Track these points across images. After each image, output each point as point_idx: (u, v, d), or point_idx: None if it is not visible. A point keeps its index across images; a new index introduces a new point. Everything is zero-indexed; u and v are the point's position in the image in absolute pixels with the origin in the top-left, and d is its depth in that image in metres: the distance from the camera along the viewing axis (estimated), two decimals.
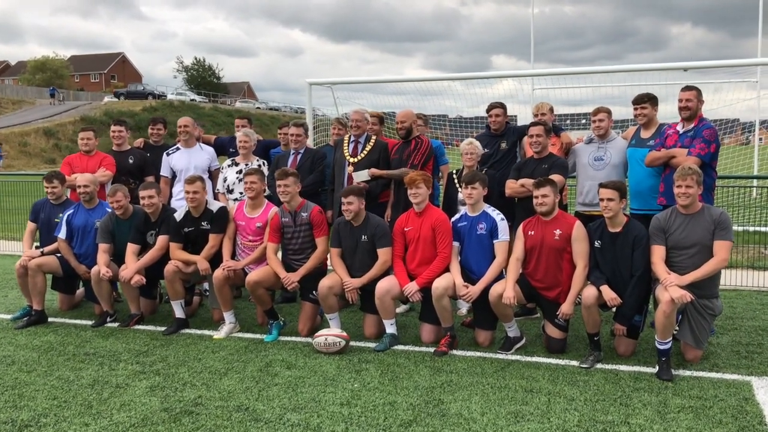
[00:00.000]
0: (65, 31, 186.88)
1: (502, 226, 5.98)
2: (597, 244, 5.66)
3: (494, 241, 5.96)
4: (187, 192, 6.57)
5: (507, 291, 5.63)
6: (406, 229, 6.16)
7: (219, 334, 6.38)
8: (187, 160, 7.68)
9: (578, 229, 5.70)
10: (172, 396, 4.90)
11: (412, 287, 5.94)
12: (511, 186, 6.61)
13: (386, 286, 5.96)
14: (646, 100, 6.43)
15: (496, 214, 6.03)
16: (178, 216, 6.70)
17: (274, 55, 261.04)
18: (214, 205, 6.78)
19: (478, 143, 6.80)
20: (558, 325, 5.72)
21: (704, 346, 5.57)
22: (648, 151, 6.30)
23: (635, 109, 6.50)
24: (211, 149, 7.99)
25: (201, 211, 6.66)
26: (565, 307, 5.63)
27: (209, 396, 4.90)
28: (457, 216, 6.24)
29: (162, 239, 6.69)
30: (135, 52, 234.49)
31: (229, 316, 6.52)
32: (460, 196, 6.50)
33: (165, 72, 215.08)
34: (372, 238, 6.16)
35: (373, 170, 6.89)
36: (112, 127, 7.98)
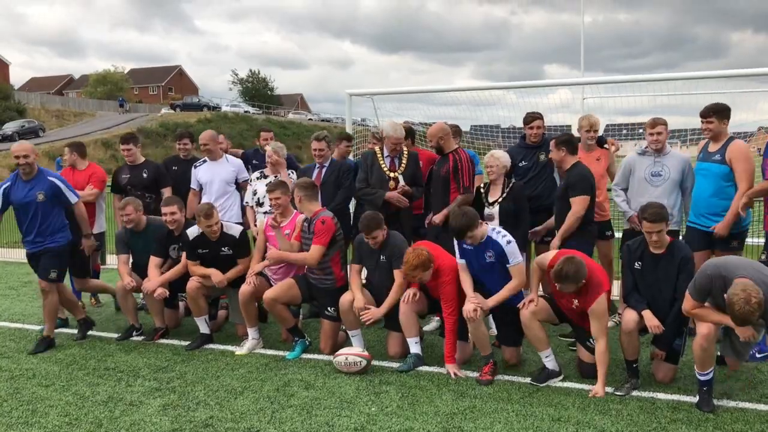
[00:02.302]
0: (123, 45, 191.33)
1: (510, 248, 5.45)
2: (637, 265, 5.26)
3: (507, 266, 5.50)
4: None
5: (531, 295, 5.41)
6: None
7: (241, 350, 6.25)
8: (211, 172, 7.58)
9: (599, 304, 5.13)
10: (183, 416, 4.76)
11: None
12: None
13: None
14: (712, 114, 5.95)
15: (501, 237, 5.47)
16: (191, 234, 6.50)
17: (325, 66, 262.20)
18: (233, 230, 6.58)
19: (500, 154, 6.41)
20: (591, 348, 5.36)
21: (747, 358, 5.27)
22: (710, 165, 5.95)
23: (702, 122, 6.10)
24: (238, 161, 7.87)
25: (217, 236, 6.44)
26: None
27: (221, 417, 4.74)
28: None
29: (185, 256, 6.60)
30: (191, 65, 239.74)
31: (252, 332, 6.38)
32: (486, 211, 6.22)
33: (220, 84, 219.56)
34: (389, 258, 5.91)
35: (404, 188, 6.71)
36: (121, 146, 7.85)
